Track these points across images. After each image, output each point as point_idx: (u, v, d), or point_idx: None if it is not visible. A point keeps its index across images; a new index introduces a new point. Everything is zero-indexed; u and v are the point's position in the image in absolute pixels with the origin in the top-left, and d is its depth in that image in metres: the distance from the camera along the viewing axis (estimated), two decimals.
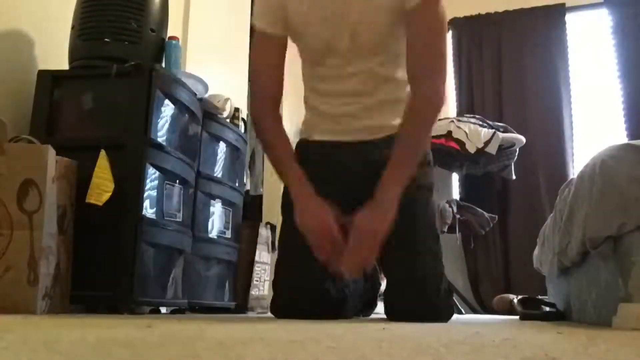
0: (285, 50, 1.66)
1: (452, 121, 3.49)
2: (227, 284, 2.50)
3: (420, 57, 1.52)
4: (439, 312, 1.57)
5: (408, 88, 1.59)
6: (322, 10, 1.55)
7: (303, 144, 1.77)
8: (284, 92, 1.69)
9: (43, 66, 2.10)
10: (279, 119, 1.67)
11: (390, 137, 1.55)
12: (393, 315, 1.59)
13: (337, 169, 1.66)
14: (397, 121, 1.58)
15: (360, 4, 1.53)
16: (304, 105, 1.78)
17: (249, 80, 1.67)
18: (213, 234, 2.37)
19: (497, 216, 3.58)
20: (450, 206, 3.46)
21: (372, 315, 2.04)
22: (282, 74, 1.66)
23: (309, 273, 1.55)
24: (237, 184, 2.59)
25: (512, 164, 3.60)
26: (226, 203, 2.46)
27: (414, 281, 1.54)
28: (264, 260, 2.96)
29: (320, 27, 1.57)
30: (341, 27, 1.55)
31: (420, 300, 1.53)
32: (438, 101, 1.53)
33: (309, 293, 1.56)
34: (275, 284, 1.70)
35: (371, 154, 1.61)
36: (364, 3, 1.53)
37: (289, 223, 1.67)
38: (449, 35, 4.26)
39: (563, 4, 4.04)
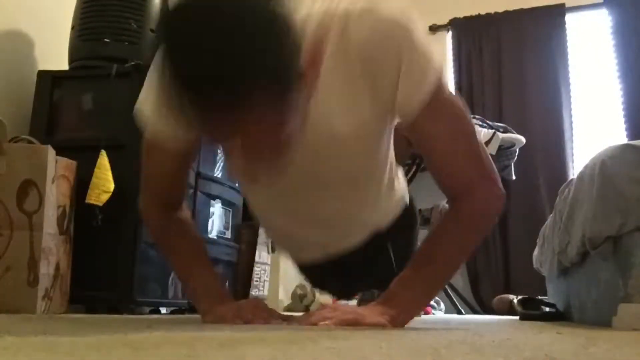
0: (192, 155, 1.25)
1: None
2: (226, 285, 2.50)
3: (452, 172, 1.05)
4: None
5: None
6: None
7: None
8: None
9: (43, 66, 2.10)
10: (180, 220, 1.29)
11: None
12: None
13: None
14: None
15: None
16: None
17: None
18: (213, 234, 2.37)
19: None
20: None
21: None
22: (185, 178, 1.29)
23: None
24: (237, 184, 2.59)
25: (512, 164, 3.59)
26: (226, 203, 2.46)
27: None
28: (264, 260, 2.96)
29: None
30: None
31: None
32: (498, 205, 1.10)
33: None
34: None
35: None
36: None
37: None
38: (448, 36, 4.25)
39: (563, 4, 4.03)
